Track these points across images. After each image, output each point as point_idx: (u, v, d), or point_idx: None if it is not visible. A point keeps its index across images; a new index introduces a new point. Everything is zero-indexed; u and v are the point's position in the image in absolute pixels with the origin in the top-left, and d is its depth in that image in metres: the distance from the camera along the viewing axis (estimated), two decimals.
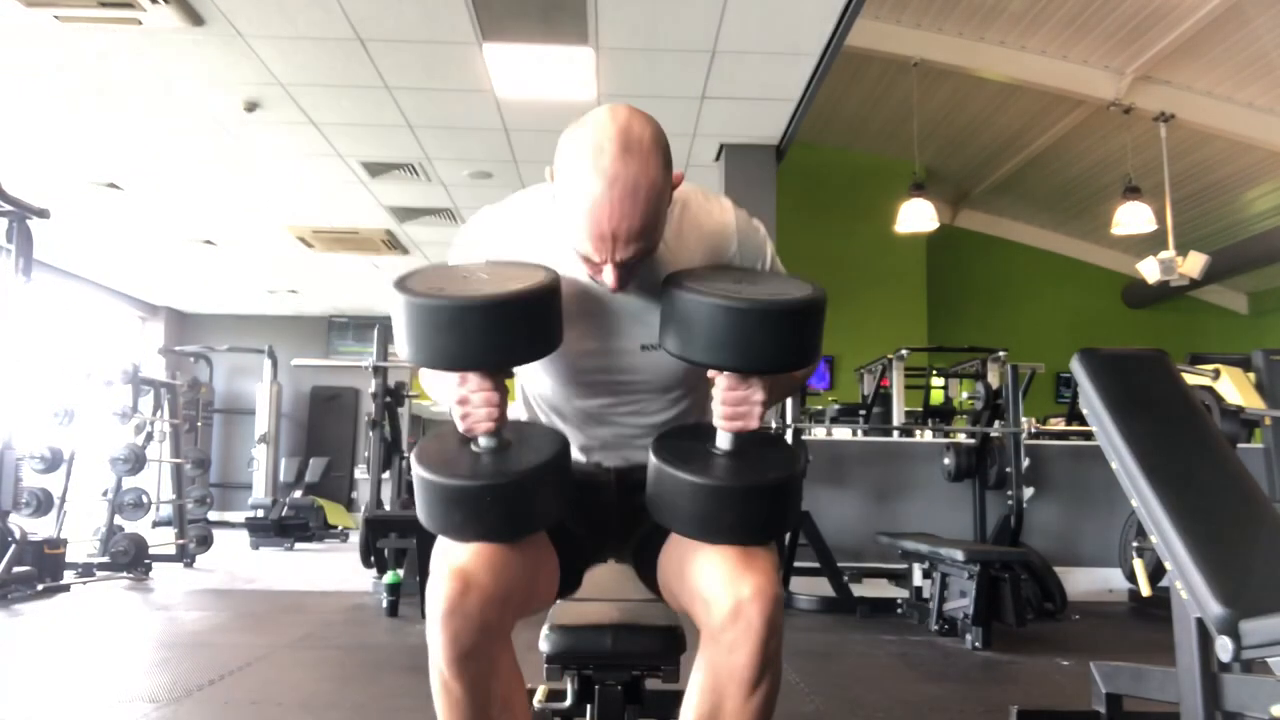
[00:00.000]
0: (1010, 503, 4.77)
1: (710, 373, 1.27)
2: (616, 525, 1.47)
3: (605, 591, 1.63)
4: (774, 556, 1.28)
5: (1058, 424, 7.25)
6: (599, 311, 1.35)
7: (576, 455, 1.44)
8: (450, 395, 1.26)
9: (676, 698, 1.79)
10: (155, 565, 5.83)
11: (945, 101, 7.68)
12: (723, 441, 1.30)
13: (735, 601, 1.19)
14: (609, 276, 1.22)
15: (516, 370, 1.43)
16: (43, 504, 5.22)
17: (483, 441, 1.27)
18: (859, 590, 4.74)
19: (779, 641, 1.21)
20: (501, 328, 1.20)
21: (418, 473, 1.25)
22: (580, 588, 1.52)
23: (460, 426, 1.27)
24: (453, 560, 1.21)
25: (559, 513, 1.31)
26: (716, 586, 1.21)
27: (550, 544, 1.37)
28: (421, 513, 1.27)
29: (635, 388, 1.40)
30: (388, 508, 5.77)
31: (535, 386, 1.48)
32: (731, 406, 1.26)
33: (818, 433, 6.25)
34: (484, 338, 1.19)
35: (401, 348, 1.23)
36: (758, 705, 1.22)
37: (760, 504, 1.27)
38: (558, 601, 1.53)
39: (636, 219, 1.17)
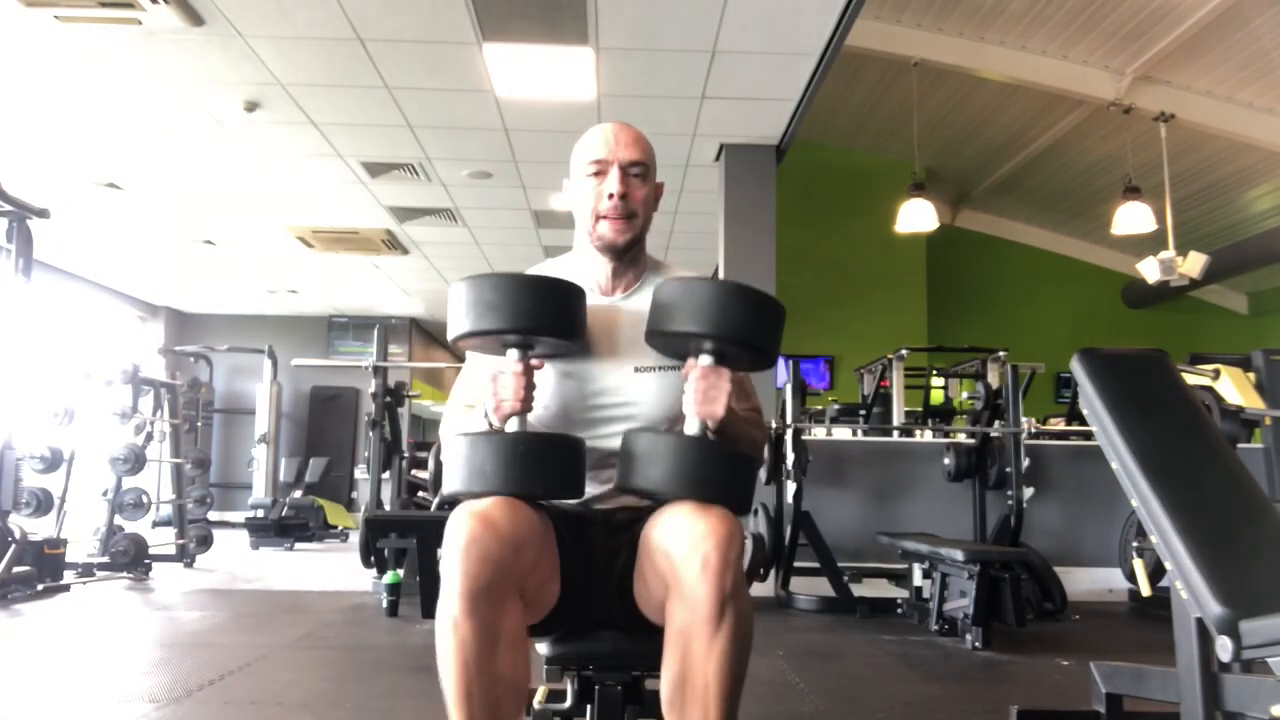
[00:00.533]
0: (1010, 503, 4.78)
1: (686, 368, 1.44)
2: (600, 561, 1.48)
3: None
4: (732, 513, 1.33)
5: (1058, 424, 7.25)
6: (601, 336, 1.54)
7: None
8: (484, 384, 1.42)
9: None
10: (155, 565, 5.83)
11: (945, 101, 7.68)
12: (690, 428, 1.41)
13: (690, 539, 1.25)
14: (613, 179, 1.49)
15: None
16: (43, 504, 5.22)
17: (509, 428, 1.41)
18: (859, 590, 4.74)
19: (738, 577, 1.24)
20: (533, 297, 1.44)
21: (455, 438, 1.40)
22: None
23: (490, 406, 1.41)
24: (474, 507, 1.29)
25: (574, 489, 1.42)
26: (674, 535, 1.28)
27: (555, 540, 1.41)
28: (454, 478, 1.37)
29: (628, 416, 1.51)
30: (388, 508, 5.76)
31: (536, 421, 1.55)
32: (700, 391, 1.39)
33: (818, 433, 6.25)
34: (515, 304, 1.41)
35: (454, 325, 1.44)
36: (725, 644, 1.23)
37: (718, 462, 1.38)
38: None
39: (633, 134, 1.53)
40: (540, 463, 1.37)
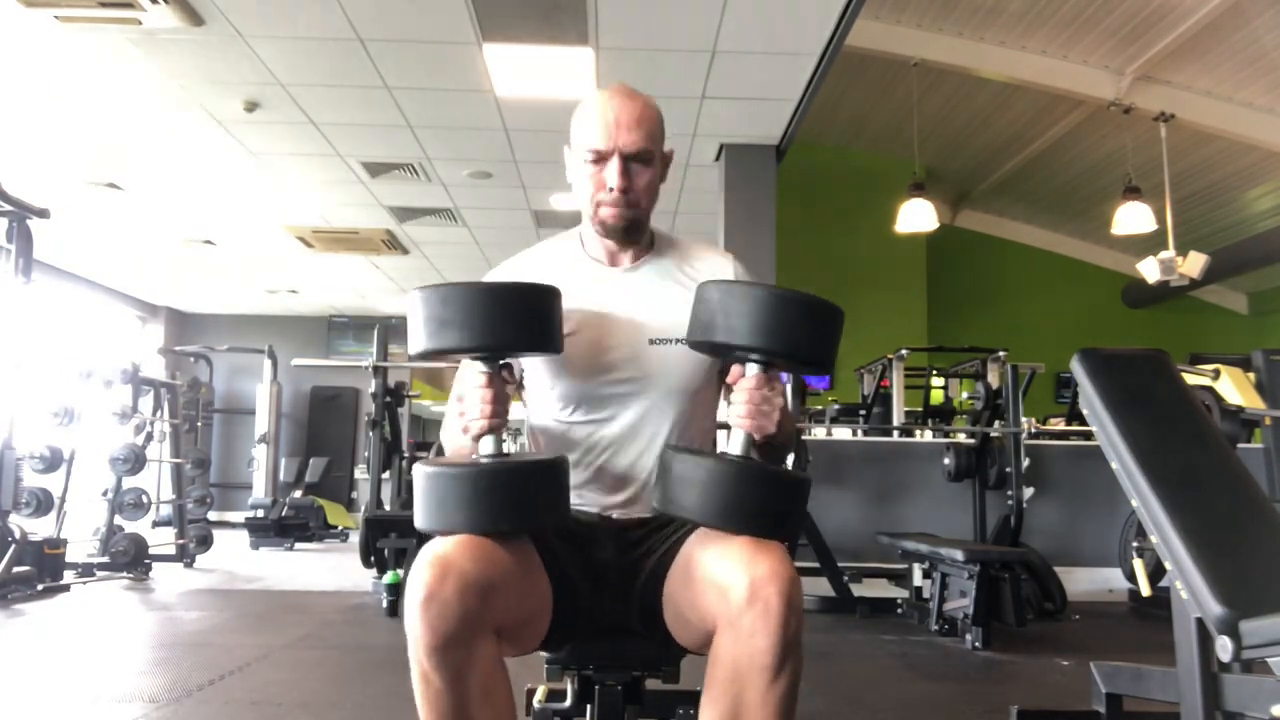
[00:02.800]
0: (1010, 503, 4.77)
1: (732, 374, 1.31)
2: (615, 578, 1.42)
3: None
4: (785, 549, 1.25)
5: (1058, 424, 7.25)
6: (608, 306, 1.44)
7: (581, 503, 1.45)
8: (452, 404, 1.33)
9: (676, 698, 1.80)
10: (155, 565, 5.83)
11: (945, 101, 7.68)
12: (735, 445, 1.29)
13: (751, 581, 1.14)
14: (613, 171, 1.39)
15: (527, 400, 1.51)
16: (43, 504, 5.21)
17: (482, 448, 1.29)
18: (859, 590, 4.74)
19: (800, 623, 1.16)
20: (496, 310, 1.27)
21: (418, 471, 1.27)
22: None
23: (458, 428, 1.31)
24: (435, 549, 1.19)
25: (552, 515, 1.30)
26: (730, 572, 1.17)
27: (543, 568, 1.33)
28: (419, 514, 1.27)
29: (643, 391, 1.42)
30: (388, 508, 5.76)
31: (543, 413, 1.49)
32: (754, 404, 1.26)
33: (818, 433, 6.25)
34: (478, 320, 1.25)
35: (413, 342, 1.29)
36: (782, 692, 1.16)
37: (776, 493, 1.26)
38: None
39: (636, 110, 1.42)
40: (509, 494, 1.25)
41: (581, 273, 1.48)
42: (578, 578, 1.39)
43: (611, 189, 1.40)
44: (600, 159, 1.40)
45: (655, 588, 1.38)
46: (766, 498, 1.25)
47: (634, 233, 1.48)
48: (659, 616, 1.39)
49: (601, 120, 1.40)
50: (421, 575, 1.14)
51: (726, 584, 1.17)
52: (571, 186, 1.49)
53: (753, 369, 1.29)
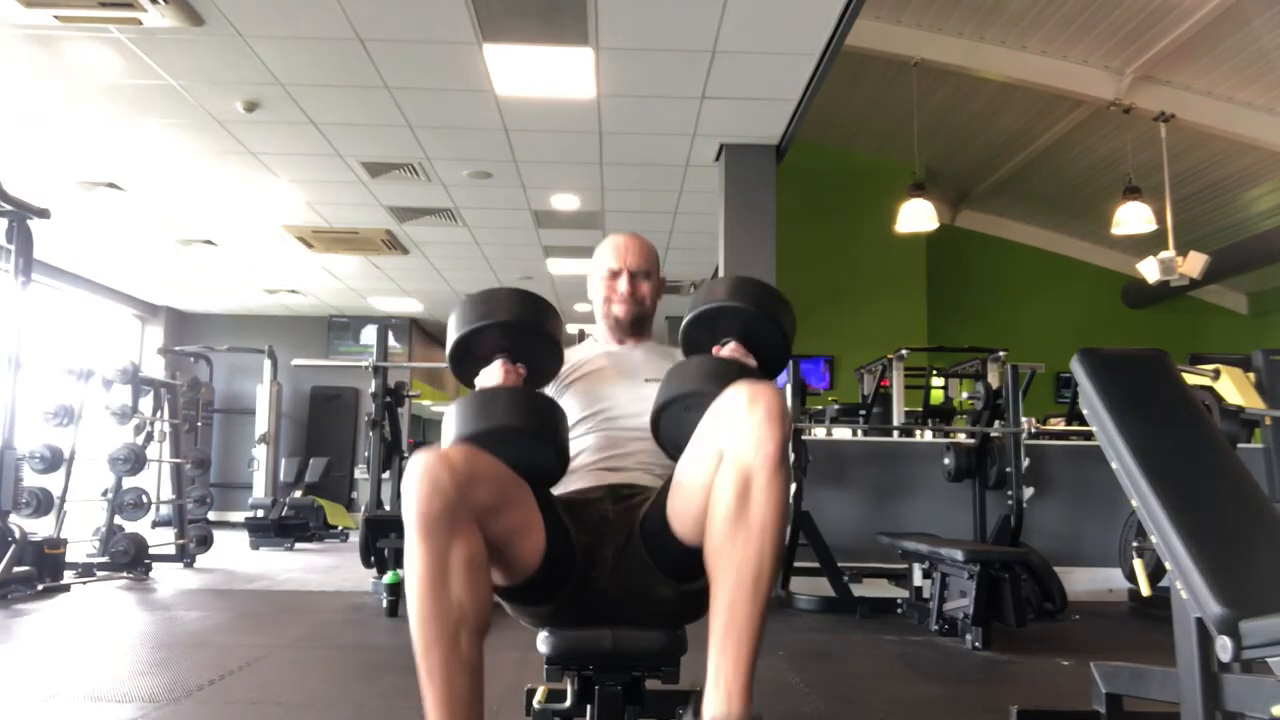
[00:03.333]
0: (1010, 503, 4.77)
1: (714, 351, 1.71)
2: (615, 527, 1.58)
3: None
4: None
5: (1058, 424, 7.25)
6: (617, 360, 1.89)
7: (584, 484, 1.70)
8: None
9: (677, 698, 1.80)
10: (155, 565, 5.83)
11: (945, 101, 7.68)
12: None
13: (749, 391, 1.36)
14: (623, 284, 1.86)
15: None
16: (43, 504, 5.22)
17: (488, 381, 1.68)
18: (859, 590, 4.74)
19: (789, 433, 1.37)
20: (515, 301, 1.68)
21: (458, 403, 1.58)
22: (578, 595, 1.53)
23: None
24: (432, 447, 1.40)
25: (552, 447, 1.57)
26: (728, 398, 1.39)
27: (535, 503, 1.49)
28: (450, 430, 1.54)
29: (640, 411, 1.71)
30: (388, 508, 5.76)
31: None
32: (734, 353, 1.69)
33: (818, 433, 6.25)
34: (503, 307, 1.66)
35: (451, 333, 1.67)
36: (781, 488, 1.34)
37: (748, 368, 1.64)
38: (555, 625, 1.54)
39: (641, 245, 1.90)
40: (496, 403, 1.56)
41: (600, 348, 1.95)
42: (575, 530, 1.55)
43: (622, 292, 1.87)
44: (614, 275, 1.88)
45: (658, 514, 1.52)
46: (742, 369, 1.60)
47: (639, 327, 1.92)
48: (667, 533, 1.50)
49: (615, 250, 1.89)
50: (418, 460, 1.34)
51: (726, 402, 1.39)
52: (591, 300, 1.96)
53: (730, 342, 1.70)
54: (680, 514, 1.47)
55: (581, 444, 1.75)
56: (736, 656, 1.31)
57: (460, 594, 1.31)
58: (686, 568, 1.48)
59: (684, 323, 1.72)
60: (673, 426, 1.60)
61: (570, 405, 1.78)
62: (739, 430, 1.35)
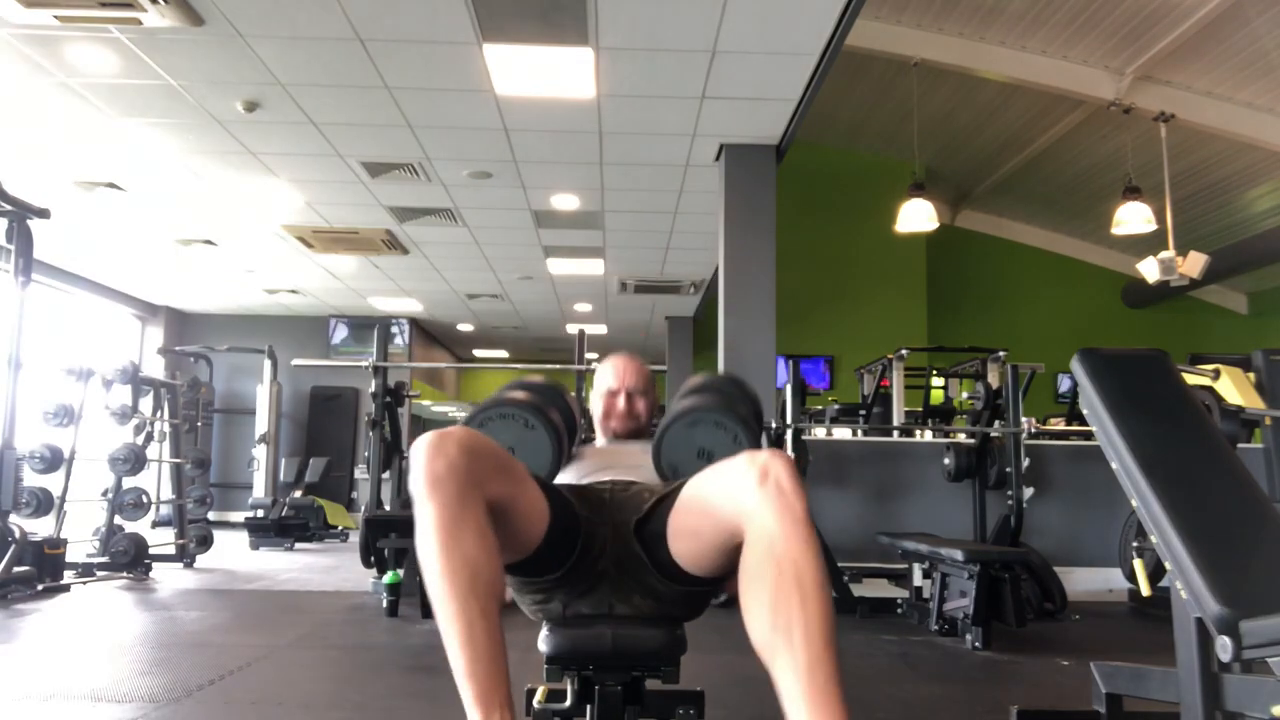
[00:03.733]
0: (1010, 503, 4.77)
1: None
2: (609, 503, 1.66)
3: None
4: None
5: (1058, 424, 7.25)
6: (614, 448, 2.03)
7: (582, 480, 1.80)
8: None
9: (677, 698, 1.80)
10: (155, 565, 5.83)
11: (945, 101, 7.68)
12: None
13: (760, 465, 1.35)
14: (621, 403, 2.06)
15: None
16: (43, 504, 5.21)
17: None
18: (859, 590, 4.74)
19: (806, 499, 1.36)
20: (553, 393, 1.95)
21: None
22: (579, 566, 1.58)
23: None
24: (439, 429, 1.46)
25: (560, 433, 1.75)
26: (738, 469, 1.38)
27: (537, 485, 1.54)
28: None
29: (634, 465, 1.85)
30: (388, 508, 5.76)
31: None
32: None
33: (818, 433, 6.25)
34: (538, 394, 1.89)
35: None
36: (817, 546, 1.32)
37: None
38: (559, 605, 1.58)
39: (638, 367, 2.10)
40: (509, 390, 1.82)
41: (600, 443, 2.11)
42: (578, 502, 1.63)
43: (620, 410, 2.06)
44: (613, 394, 2.07)
45: (657, 525, 1.56)
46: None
47: (634, 439, 2.06)
48: (663, 546, 1.54)
49: (615, 373, 2.09)
50: (423, 437, 1.41)
51: (737, 480, 1.38)
52: (591, 411, 2.15)
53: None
54: (681, 547, 1.52)
55: (582, 470, 1.88)
56: (831, 711, 1.23)
57: (473, 550, 1.34)
58: (678, 575, 1.55)
59: (658, 437, 1.77)
60: (673, 445, 1.70)
61: (570, 472, 1.88)
62: (759, 509, 1.33)
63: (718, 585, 1.58)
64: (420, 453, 1.38)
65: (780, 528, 1.30)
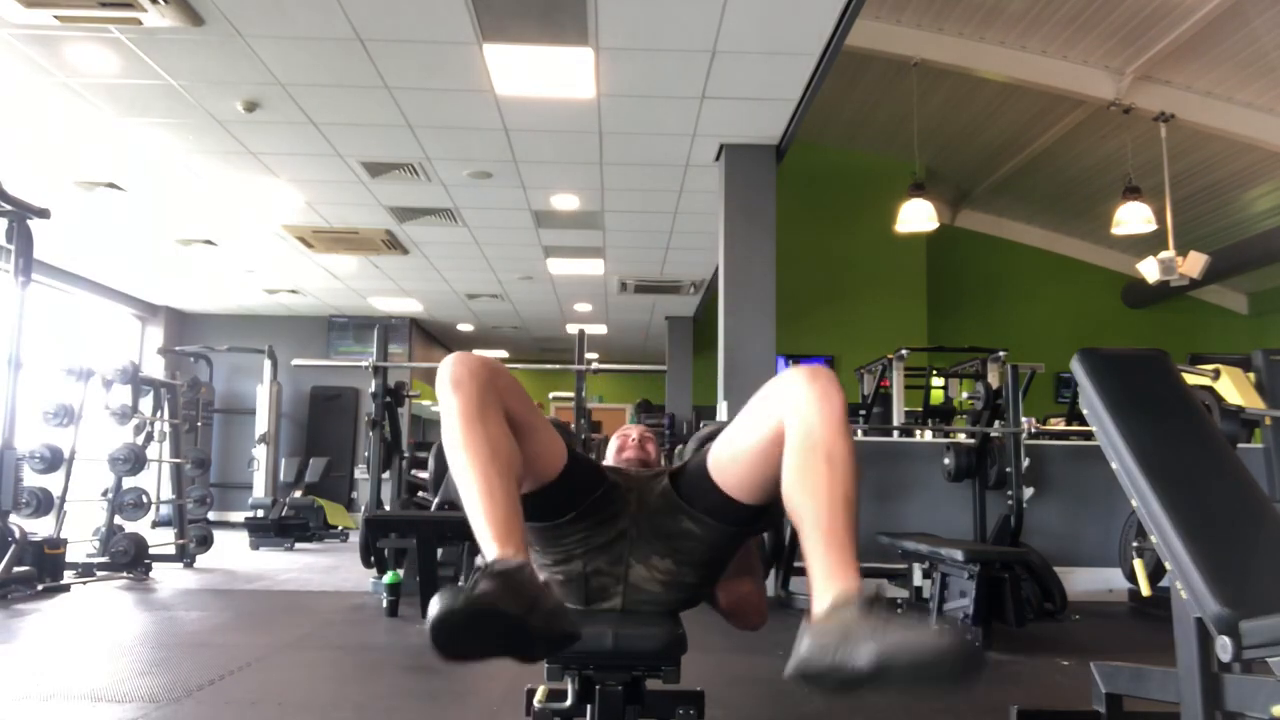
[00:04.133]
0: (1010, 503, 4.77)
1: None
2: (637, 480, 1.75)
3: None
4: None
5: (1058, 424, 7.25)
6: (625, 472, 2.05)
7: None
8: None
9: (677, 698, 1.80)
10: (155, 565, 5.82)
11: (945, 101, 7.68)
12: None
13: (808, 372, 1.47)
14: (634, 435, 2.13)
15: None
16: (43, 504, 5.21)
17: None
18: None
19: (846, 403, 1.47)
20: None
21: None
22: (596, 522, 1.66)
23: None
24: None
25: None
26: (788, 378, 1.49)
27: (559, 436, 1.63)
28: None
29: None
30: (388, 508, 5.76)
31: None
32: None
33: None
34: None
35: None
36: (853, 445, 1.42)
37: None
38: (579, 564, 1.65)
39: (644, 429, 2.17)
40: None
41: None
42: (603, 470, 1.73)
43: (633, 441, 2.11)
44: (626, 434, 2.14)
45: (695, 466, 1.68)
46: None
47: (643, 467, 2.09)
48: (704, 479, 1.64)
49: (625, 430, 2.18)
50: (451, 355, 1.50)
51: (787, 384, 1.48)
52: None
53: None
54: (725, 466, 1.61)
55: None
56: (842, 551, 1.37)
57: (495, 432, 1.43)
58: (719, 509, 1.63)
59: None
60: (691, 468, 1.73)
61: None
62: (801, 403, 1.44)
63: (758, 520, 1.67)
64: (445, 364, 1.47)
65: (820, 420, 1.41)
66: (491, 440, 1.42)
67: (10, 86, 4.84)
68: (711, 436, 1.89)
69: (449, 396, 1.44)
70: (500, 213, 6.97)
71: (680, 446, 5.98)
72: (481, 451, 1.40)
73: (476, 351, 1.56)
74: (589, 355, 6.01)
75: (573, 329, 7.27)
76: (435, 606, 1.13)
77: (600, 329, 12.14)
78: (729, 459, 1.60)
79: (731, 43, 4.26)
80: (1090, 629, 4.37)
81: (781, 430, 1.47)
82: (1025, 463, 4.78)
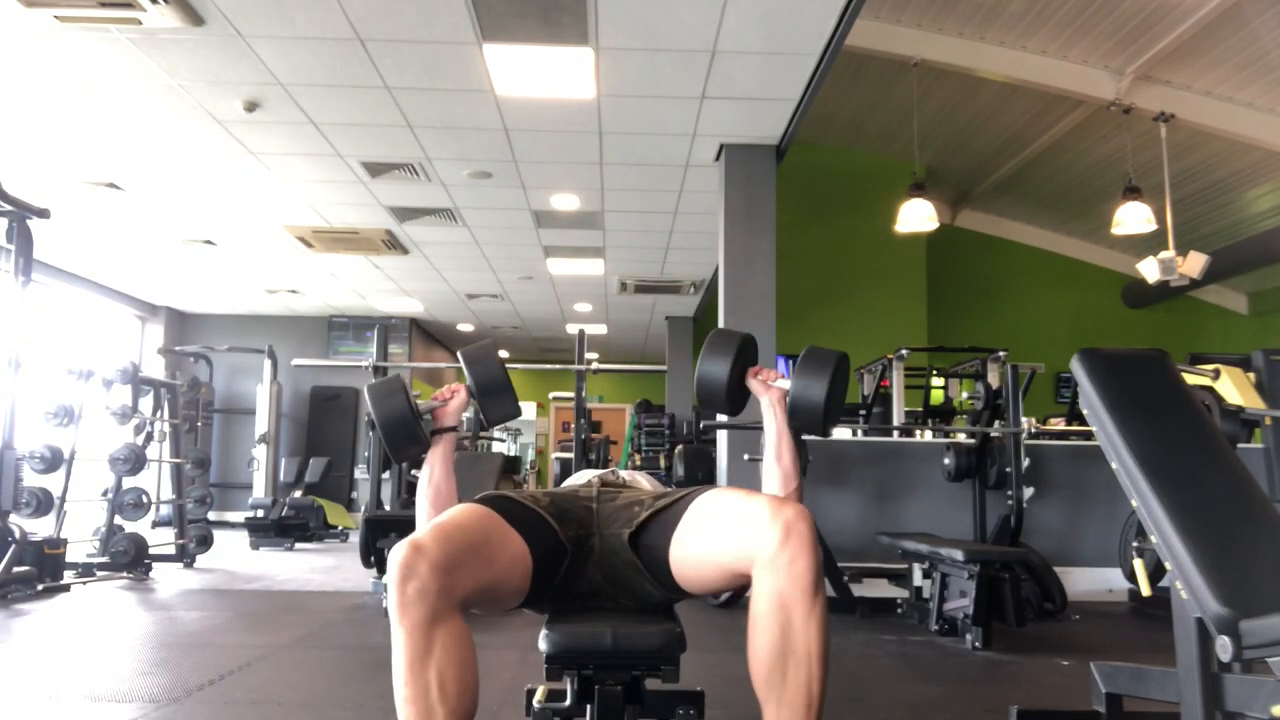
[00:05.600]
0: (1010, 503, 4.77)
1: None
2: (598, 513, 1.66)
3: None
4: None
5: (1058, 424, 7.25)
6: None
7: (570, 482, 1.83)
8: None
9: (676, 698, 1.80)
10: (155, 565, 5.83)
11: (945, 101, 7.68)
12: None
13: (784, 522, 1.39)
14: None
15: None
16: (43, 504, 5.22)
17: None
18: (859, 590, 4.74)
19: (821, 555, 1.42)
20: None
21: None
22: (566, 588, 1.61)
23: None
24: (411, 536, 1.40)
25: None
26: (762, 521, 1.42)
27: (512, 530, 1.53)
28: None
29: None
30: (388, 508, 5.77)
31: None
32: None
33: None
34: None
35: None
36: (822, 611, 1.38)
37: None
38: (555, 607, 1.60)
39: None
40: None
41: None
42: (560, 527, 1.61)
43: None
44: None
45: (657, 539, 1.59)
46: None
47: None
48: (663, 564, 1.58)
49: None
50: (400, 552, 1.36)
51: (759, 530, 1.41)
52: None
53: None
54: (684, 569, 1.56)
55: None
56: None
57: (443, 667, 1.32)
58: (675, 589, 1.61)
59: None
60: (653, 542, 1.65)
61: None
62: (771, 562, 1.39)
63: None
64: (393, 571, 1.35)
65: (791, 593, 1.37)
66: (438, 682, 1.32)
67: (10, 86, 4.84)
68: (694, 484, 1.86)
69: (395, 623, 1.34)
70: (500, 213, 6.97)
71: (680, 447, 5.98)
72: (419, 702, 1.31)
73: (429, 536, 1.40)
74: (589, 355, 6.01)
75: (573, 329, 7.28)
76: None
77: (600, 329, 12.14)
78: (692, 564, 1.56)
79: (731, 43, 4.26)
80: (1090, 629, 4.37)
81: (745, 569, 1.44)
82: (1025, 463, 4.78)
